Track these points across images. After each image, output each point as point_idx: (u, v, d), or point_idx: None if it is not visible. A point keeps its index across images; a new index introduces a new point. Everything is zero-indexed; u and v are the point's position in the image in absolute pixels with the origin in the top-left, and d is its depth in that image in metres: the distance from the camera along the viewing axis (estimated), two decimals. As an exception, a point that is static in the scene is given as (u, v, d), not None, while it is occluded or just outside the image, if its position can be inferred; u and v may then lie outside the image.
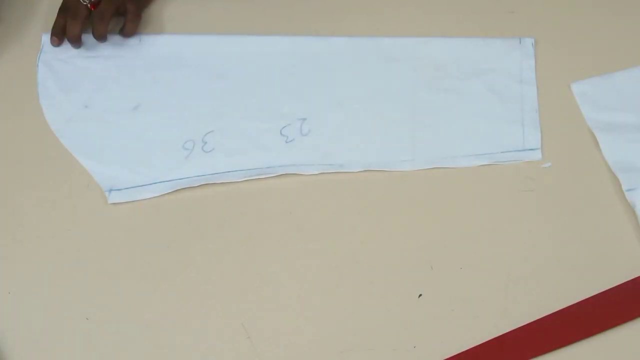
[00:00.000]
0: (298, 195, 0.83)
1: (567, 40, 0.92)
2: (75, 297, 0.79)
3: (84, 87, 0.93)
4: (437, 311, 0.75)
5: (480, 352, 0.72)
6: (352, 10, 0.97)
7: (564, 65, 0.89)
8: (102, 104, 0.92)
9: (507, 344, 0.73)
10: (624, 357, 0.72)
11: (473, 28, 0.93)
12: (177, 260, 0.80)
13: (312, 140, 0.87)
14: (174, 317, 0.77)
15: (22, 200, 0.86)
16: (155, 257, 0.81)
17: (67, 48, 0.96)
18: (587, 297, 0.74)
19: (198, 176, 0.85)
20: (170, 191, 0.85)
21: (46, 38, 0.96)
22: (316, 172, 0.85)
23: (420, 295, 0.76)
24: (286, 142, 0.87)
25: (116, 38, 0.96)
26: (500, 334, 0.73)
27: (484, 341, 0.73)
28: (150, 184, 0.85)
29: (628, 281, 0.75)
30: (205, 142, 0.88)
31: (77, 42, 0.94)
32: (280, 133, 0.88)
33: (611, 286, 0.75)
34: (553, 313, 0.74)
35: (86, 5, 0.93)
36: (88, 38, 0.96)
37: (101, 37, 0.94)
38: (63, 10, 0.95)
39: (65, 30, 0.94)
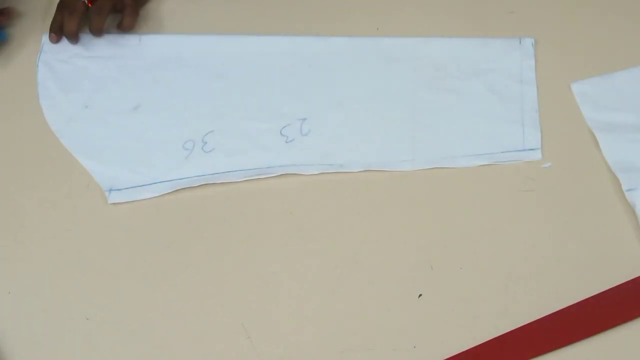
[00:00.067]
0: (298, 195, 0.83)
1: (567, 40, 0.92)
2: (75, 297, 0.79)
3: (84, 87, 0.93)
4: (437, 311, 0.75)
5: (480, 352, 0.72)
6: (352, 10, 0.97)
7: (564, 65, 0.89)
8: (102, 104, 0.92)
9: (507, 344, 0.73)
10: (624, 357, 0.72)
11: (473, 28, 0.93)
12: (177, 260, 0.80)
13: (312, 140, 0.87)
14: (174, 317, 0.77)
15: (22, 200, 0.86)
16: (155, 257, 0.81)
17: (67, 48, 0.96)
18: (587, 297, 0.74)
19: (198, 176, 0.85)
20: (170, 191, 0.85)
21: (46, 38, 0.96)
22: (316, 172, 0.85)
23: (420, 295, 0.76)
24: (286, 142, 0.87)
25: (116, 38, 0.96)
26: (500, 334, 0.73)
27: (484, 341, 0.73)
28: (150, 184, 0.85)
29: (628, 281, 0.75)
30: (205, 142, 0.88)
31: (74, 38, 0.94)
32: (280, 133, 0.88)
33: (611, 286, 0.75)
34: (553, 313, 0.74)
35: (84, 2, 0.93)
36: (88, 38, 0.96)
37: (98, 32, 0.94)
38: (61, 7, 0.95)
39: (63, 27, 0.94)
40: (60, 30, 0.95)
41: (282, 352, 0.75)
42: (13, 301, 0.80)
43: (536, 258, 0.77)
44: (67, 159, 0.88)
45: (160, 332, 0.77)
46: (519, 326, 0.73)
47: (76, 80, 0.94)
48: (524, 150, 0.84)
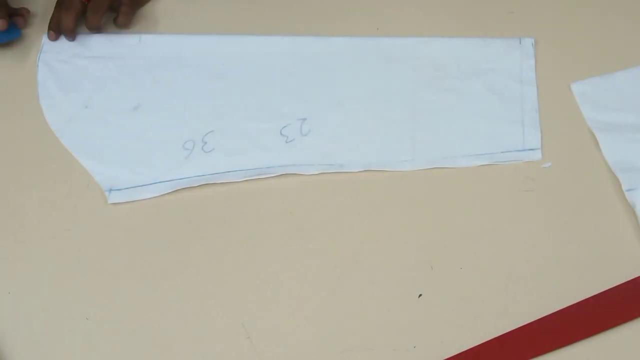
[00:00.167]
0: (298, 195, 0.83)
1: (567, 40, 0.92)
2: (75, 297, 0.79)
3: (84, 87, 0.93)
4: (437, 311, 0.75)
5: (480, 352, 0.72)
6: (352, 10, 0.97)
7: (564, 65, 0.89)
8: (102, 104, 0.92)
9: (507, 344, 0.73)
10: (624, 357, 0.72)
11: (473, 28, 0.93)
12: (177, 260, 0.80)
13: (312, 140, 0.87)
14: (174, 317, 0.77)
15: (22, 200, 0.86)
16: (155, 257, 0.81)
17: (67, 48, 0.96)
18: (587, 297, 0.74)
19: (198, 176, 0.85)
20: (170, 191, 0.85)
21: (46, 38, 0.96)
22: (316, 172, 0.85)
23: (420, 295, 0.76)
24: (286, 142, 0.87)
25: (116, 38, 0.96)
26: (500, 334, 0.73)
27: (484, 341, 0.73)
28: (150, 184, 0.85)
29: (628, 281, 0.75)
30: (205, 142, 0.88)
31: (71, 35, 0.95)
32: (280, 133, 0.88)
33: (611, 286, 0.75)
34: (553, 313, 0.74)
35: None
36: (88, 38, 0.96)
37: (94, 29, 0.95)
38: (59, 5, 0.95)
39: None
40: (58, 28, 0.95)
41: (282, 352, 0.75)
42: (13, 301, 0.79)
43: (536, 258, 0.77)
44: (67, 159, 0.88)
45: (160, 332, 0.77)
46: (519, 326, 0.73)
47: (76, 80, 0.94)
48: (524, 150, 0.84)
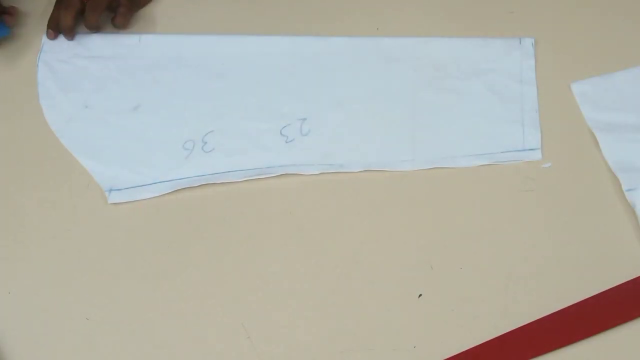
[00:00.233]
0: (298, 195, 0.83)
1: (567, 40, 0.92)
2: (75, 297, 0.79)
3: (84, 87, 0.93)
4: (437, 311, 0.75)
5: (480, 352, 0.72)
6: (352, 10, 0.97)
7: (564, 65, 0.89)
8: (102, 104, 0.92)
9: (507, 344, 0.73)
10: (624, 357, 0.72)
11: (473, 28, 0.93)
12: (177, 260, 0.80)
13: (312, 140, 0.87)
14: (174, 317, 0.77)
15: (22, 200, 0.86)
16: (155, 257, 0.81)
17: (67, 48, 0.96)
18: (587, 297, 0.74)
19: (198, 176, 0.85)
20: (170, 191, 0.85)
21: (46, 38, 0.96)
22: (316, 172, 0.85)
23: (420, 295, 0.76)
24: (286, 142, 0.87)
25: (116, 38, 0.96)
26: (500, 334, 0.73)
27: (484, 341, 0.73)
28: (150, 184, 0.85)
29: (628, 281, 0.75)
30: (205, 142, 0.88)
31: (69, 33, 0.95)
32: (280, 133, 0.88)
33: (611, 286, 0.75)
34: (553, 313, 0.74)
35: None
36: (88, 38, 0.96)
37: (93, 28, 0.95)
38: (58, 3, 0.95)
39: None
40: (57, 27, 0.95)
41: (282, 352, 0.75)
42: (13, 301, 0.80)
43: (536, 258, 0.77)
44: (67, 159, 0.88)
45: (160, 332, 0.77)
46: (519, 326, 0.73)
47: (76, 80, 0.94)
48: (524, 150, 0.84)
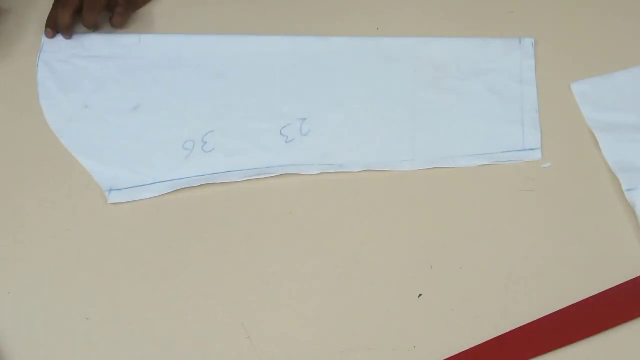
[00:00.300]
0: (298, 195, 0.83)
1: (567, 40, 0.92)
2: (75, 297, 0.79)
3: (84, 87, 0.93)
4: (437, 311, 0.75)
5: (480, 352, 0.72)
6: (352, 10, 0.97)
7: (564, 65, 0.89)
8: (102, 104, 0.92)
9: (507, 344, 0.73)
10: (624, 357, 0.72)
11: (473, 28, 0.93)
12: (177, 260, 0.80)
13: (312, 140, 0.87)
14: (174, 317, 0.77)
15: (22, 200, 0.86)
16: (155, 257, 0.81)
17: (67, 48, 0.96)
18: (587, 297, 0.74)
19: (198, 176, 0.85)
20: (170, 191, 0.85)
21: (46, 38, 0.96)
22: (316, 172, 0.85)
23: (420, 295, 0.76)
24: (286, 142, 0.87)
25: (116, 38, 0.96)
26: (500, 334, 0.73)
27: (484, 341, 0.73)
28: (150, 184, 0.85)
29: (628, 281, 0.75)
30: (205, 142, 0.88)
31: (67, 31, 0.95)
32: (280, 133, 0.88)
33: (611, 286, 0.75)
34: (553, 313, 0.74)
35: None
36: (88, 38, 0.96)
37: (91, 26, 0.95)
38: (57, 1, 0.95)
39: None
40: (55, 26, 0.95)
41: (282, 352, 0.75)
42: (13, 301, 0.79)
43: (536, 258, 0.77)
44: (67, 159, 0.88)
45: (160, 332, 0.77)
46: (519, 326, 0.73)
47: (76, 80, 0.94)
48: (524, 150, 0.84)
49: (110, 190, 0.85)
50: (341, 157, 0.85)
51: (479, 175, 0.83)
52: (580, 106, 0.86)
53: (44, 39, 0.96)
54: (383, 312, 0.76)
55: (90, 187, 0.86)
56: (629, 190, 0.79)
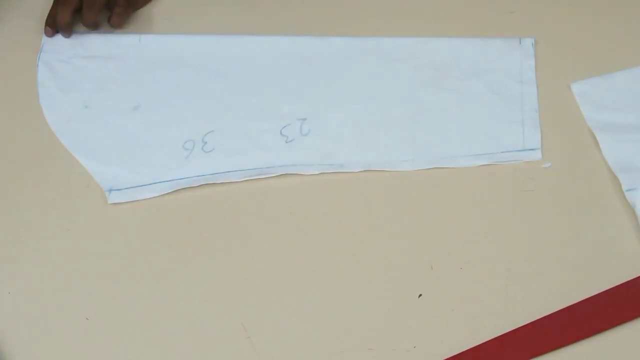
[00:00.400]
0: (298, 195, 0.83)
1: (567, 40, 0.92)
2: (75, 297, 0.79)
3: (84, 87, 0.93)
4: (437, 311, 0.75)
5: (480, 352, 0.72)
6: (352, 10, 0.97)
7: (564, 65, 0.89)
8: (102, 104, 0.92)
9: (507, 344, 0.73)
10: (624, 357, 0.72)
11: (473, 28, 0.93)
12: (177, 260, 0.80)
13: (312, 140, 0.87)
14: (174, 317, 0.77)
15: (22, 200, 0.86)
16: (155, 257, 0.81)
17: (66, 48, 0.96)
18: (587, 297, 0.74)
19: (198, 176, 0.85)
20: (170, 191, 0.85)
21: (46, 38, 0.96)
22: (316, 172, 0.85)
23: (420, 295, 0.76)
24: (286, 142, 0.87)
25: (116, 38, 0.96)
26: (500, 334, 0.73)
27: (484, 341, 0.73)
28: (150, 184, 0.85)
29: (628, 281, 0.75)
30: (205, 142, 0.88)
31: (66, 30, 0.94)
32: (280, 133, 0.88)
33: (611, 286, 0.75)
34: (553, 313, 0.74)
35: None
36: (88, 38, 0.96)
37: (90, 25, 0.95)
38: (56, 0, 0.95)
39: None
40: (54, 24, 0.95)
41: (282, 352, 0.74)
42: (13, 301, 0.79)
43: (536, 258, 0.77)
44: (67, 159, 0.88)
45: (160, 332, 0.76)
46: (519, 326, 0.73)
47: (76, 80, 0.94)
48: (524, 150, 0.84)
49: (110, 190, 0.85)
50: (341, 157, 0.85)
51: (478, 175, 0.83)
52: (580, 106, 0.86)
53: (44, 39, 0.96)
54: (383, 312, 0.76)
55: (90, 187, 0.86)
56: (629, 190, 0.79)
